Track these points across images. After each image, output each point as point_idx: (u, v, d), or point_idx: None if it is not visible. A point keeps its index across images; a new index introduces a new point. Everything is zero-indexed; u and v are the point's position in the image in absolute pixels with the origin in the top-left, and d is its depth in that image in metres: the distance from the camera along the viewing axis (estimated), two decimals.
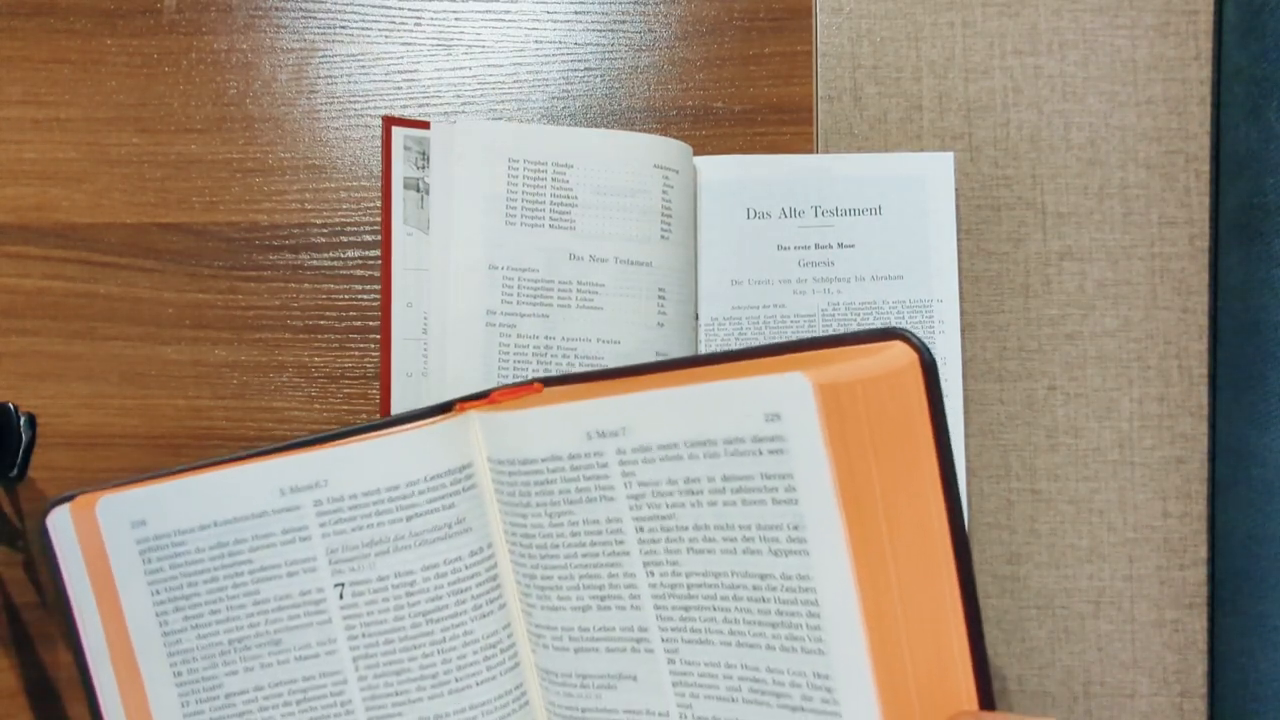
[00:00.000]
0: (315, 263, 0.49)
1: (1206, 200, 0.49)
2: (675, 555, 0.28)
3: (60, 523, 0.30)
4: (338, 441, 0.30)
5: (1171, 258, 0.49)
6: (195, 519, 0.30)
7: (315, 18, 0.50)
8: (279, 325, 0.49)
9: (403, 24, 0.50)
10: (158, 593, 0.30)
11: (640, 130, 0.49)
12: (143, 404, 0.49)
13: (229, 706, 0.30)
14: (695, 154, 0.49)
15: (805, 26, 0.50)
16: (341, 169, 0.49)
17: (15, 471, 0.48)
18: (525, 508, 0.30)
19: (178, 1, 0.49)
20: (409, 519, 0.30)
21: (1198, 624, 0.49)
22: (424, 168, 0.47)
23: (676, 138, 0.48)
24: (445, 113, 0.50)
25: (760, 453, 0.24)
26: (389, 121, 0.47)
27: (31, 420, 0.49)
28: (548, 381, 0.32)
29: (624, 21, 0.50)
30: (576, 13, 0.50)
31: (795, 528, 0.24)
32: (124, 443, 0.49)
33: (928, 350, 0.23)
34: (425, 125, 0.48)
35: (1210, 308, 0.49)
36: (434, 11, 0.50)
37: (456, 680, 0.30)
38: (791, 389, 0.23)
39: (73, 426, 0.49)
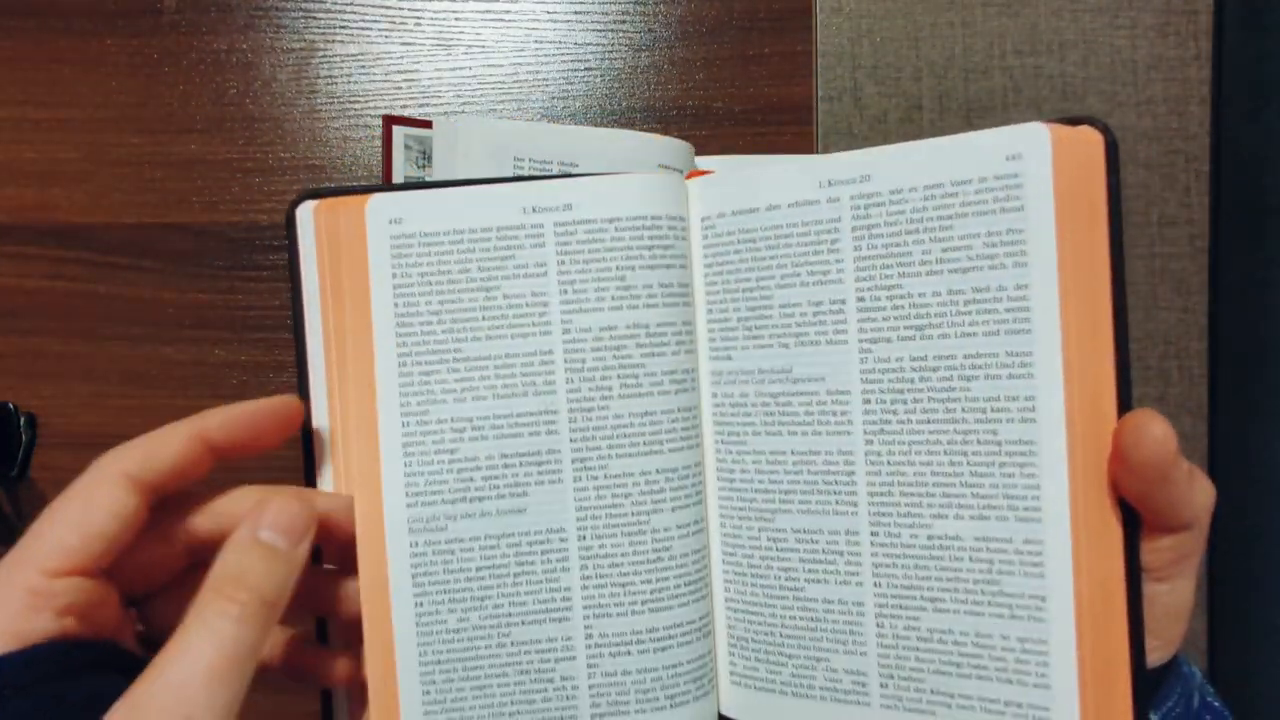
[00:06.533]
0: None
1: (1206, 200, 0.49)
2: (890, 279, 0.31)
3: (304, 217, 0.34)
4: (575, 179, 0.34)
5: (1171, 258, 0.49)
6: (444, 224, 0.33)
7: (315, 18, 0.50)
8: (279, 325, 0.49)
9: (403, 24, 0.50)
10: (398, 283, 0.34)
11: (640, 130, 0.49)
12: (143, 404, 0.49)
13: (454, 371, 0.34)
14: (695, 154, 0.49)
15: (805, 26, 0.50)
16: (341, 169, 0.49)
17: (15, 471, 0.48)
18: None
19: (178, 1, 0.49)
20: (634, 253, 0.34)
21: (1198, 624, 0.49)
22: (425, 167, 0.47)
23: (677, 138, 0.48)
24: (445, 112, 0.49)
25: (996, 189, 0.29)
26: (389, 120, 0.47)
27: (32, 420, 0.49)
28: None
29: (624, 21, 0.50)
30: (576, 13, 0.50)
31: (1019, 232, 0.29)
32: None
33: (1111, 132, 0.30)
34: (426, 124, 0.48)
35: (1210, 308, 0.49)
36: (434, 11, 0.50)
37: (645, 389, 0.34)
38: (1030, 136, 0.29)
39: (73, 426, 0.49)
